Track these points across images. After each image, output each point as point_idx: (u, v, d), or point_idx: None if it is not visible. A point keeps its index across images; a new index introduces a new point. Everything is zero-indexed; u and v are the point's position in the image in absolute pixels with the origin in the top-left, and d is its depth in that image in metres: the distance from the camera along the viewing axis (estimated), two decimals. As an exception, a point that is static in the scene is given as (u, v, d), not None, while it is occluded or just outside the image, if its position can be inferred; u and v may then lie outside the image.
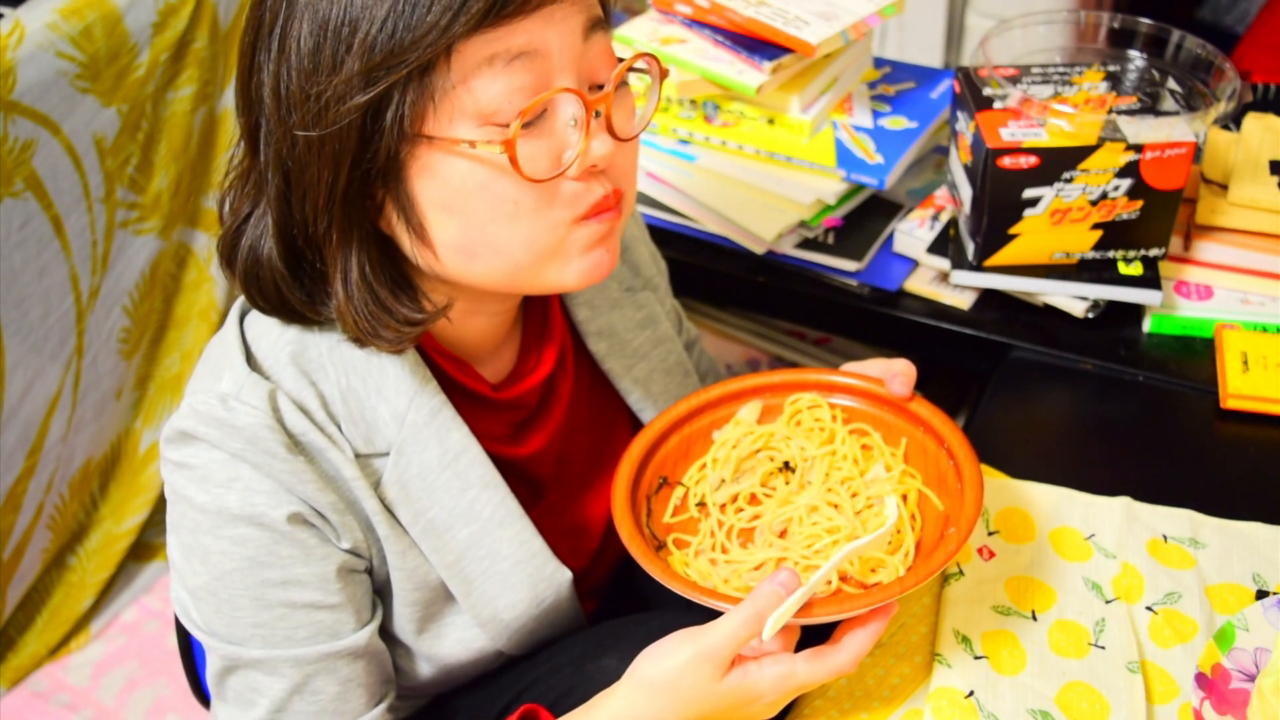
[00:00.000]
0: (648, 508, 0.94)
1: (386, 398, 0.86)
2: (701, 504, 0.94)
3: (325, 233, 0.78)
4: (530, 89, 0.75)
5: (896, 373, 0.96)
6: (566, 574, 0.95)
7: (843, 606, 0.80)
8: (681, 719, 0.79)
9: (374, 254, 0.80)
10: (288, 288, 0.82)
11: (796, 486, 0.94)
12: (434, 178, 0.76)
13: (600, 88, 0.80)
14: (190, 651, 1.08)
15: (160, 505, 1.94)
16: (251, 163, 0.82)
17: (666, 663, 0.78)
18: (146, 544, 1.95)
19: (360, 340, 0.83)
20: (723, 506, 0.94)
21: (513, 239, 0.79)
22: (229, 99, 1.86)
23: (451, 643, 0.92)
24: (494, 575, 0.91)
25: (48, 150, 1.57)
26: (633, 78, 0.85)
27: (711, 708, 0.79)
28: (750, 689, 0.79)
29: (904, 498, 0.91)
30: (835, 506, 0.91)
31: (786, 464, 0.95)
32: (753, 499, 0.94)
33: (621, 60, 0.81)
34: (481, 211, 0.77)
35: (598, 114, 0.78)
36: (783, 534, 0.91)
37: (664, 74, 0.86)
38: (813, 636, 0.83)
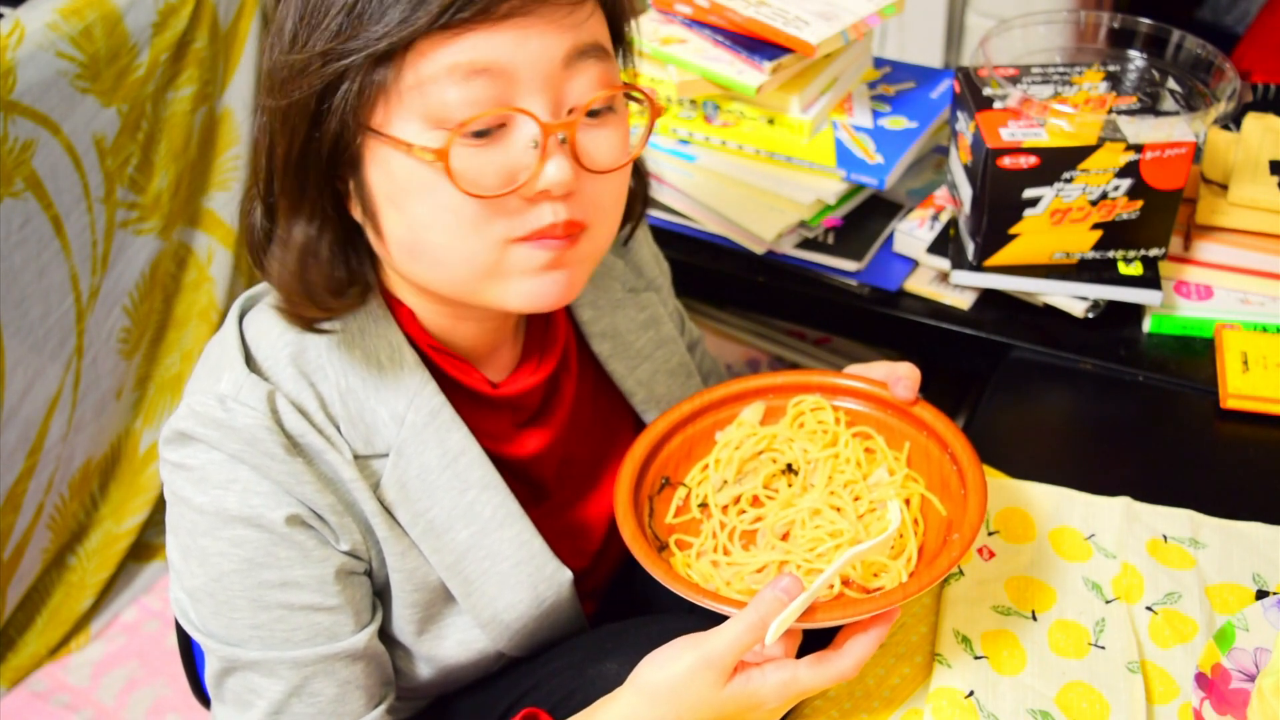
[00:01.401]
0: (650, 508, 0.94)
1: (385, 399, 0.86)
2: (704, 505, 0.94)
3: (276, 200, 0.81)
4: (487, 103, 0.74)
5: (900, 376, 0.96)
6: (567, 574, 0.95)
7: (846, 611, 0.80)
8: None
9: (326, 232, 0.81)
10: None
11: (799, 489, 0.93)
12: (383, 170, 0.77)
13: (577, 111, 0.78)
14: (190, 651, 1.08)
15: (160, 505, 1.94)
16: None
17: (669, 669, 0.78)
18: (146, 544, 1.95)
19: (285, 311, 0.84)
20: (725, 508, 0.94)
21: (450, 249, 0.78)
22: (229, 99, 1.86)
23: (452, 644, 0.92)
24: (494, 576, 0.91)
25: (48, 150, 1.57)
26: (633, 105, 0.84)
27: (714, 714, 0.79)
28: (753, 695, 0.79)
29: (907, 502, 0.91)
30: (838, 510, 0.91)
31: (789, 466, 0.95)
32: (755, 501, 0.94)
33: (624, 86, 0.80)
34: (422, 214, 0.77)
35: (564, 139, 0.77)
36: (785, 536, 0.91)
37: (658, 112, 0.84)
38: (814, 641, 0.83)
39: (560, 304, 0.82)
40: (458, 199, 0.76)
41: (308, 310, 0.83)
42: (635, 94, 0.82)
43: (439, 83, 0.73)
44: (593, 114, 0.79)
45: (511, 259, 0.79)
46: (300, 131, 0.76)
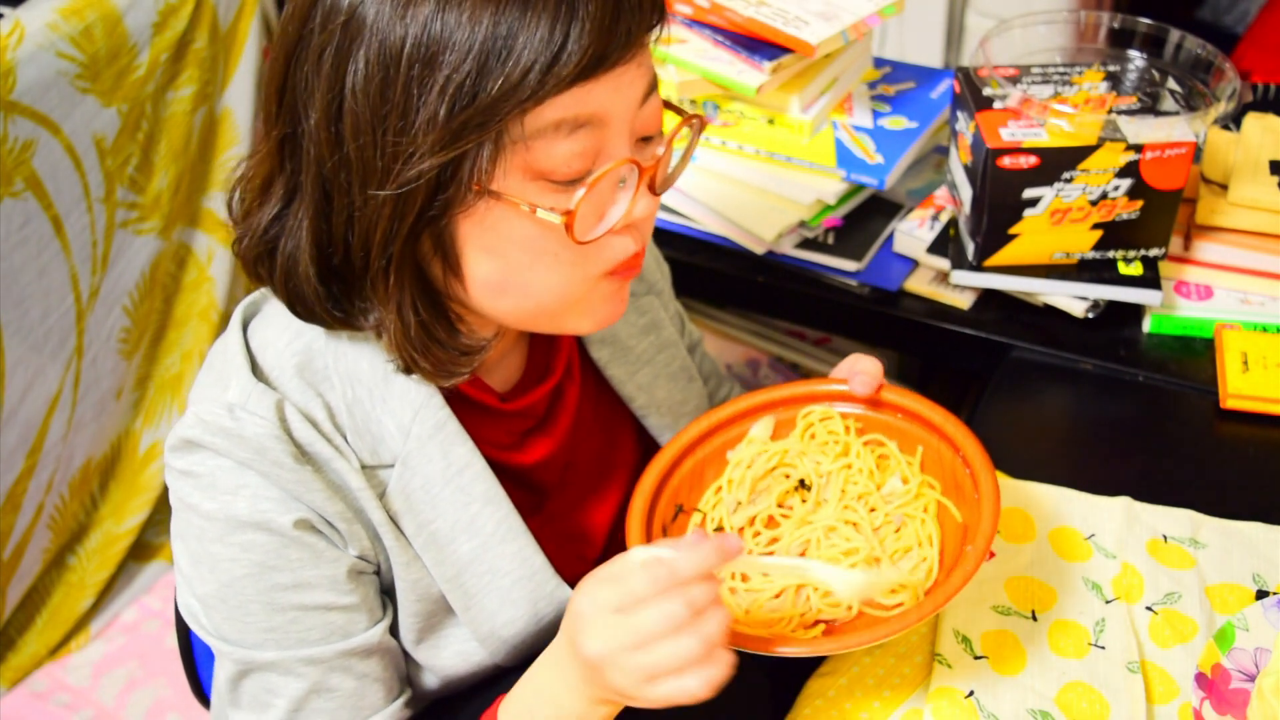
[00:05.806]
0: (665, 537, 0.93)
1: (392, 410, 0.86)
2: (719, 529, 0.93)
3: (381, 270, 0.77)
4: (589, 153, 0.75)
5: (858, 371, 0.96)
6: (567, 591, 0.94)
7: (875, 633, 0.80)
8: (577, 652, 0.74)
9: (421, 286, 0.80)
10: (320, 303, 0.82)
11: (813, 505, 0.93)
12: (481, 224, 0.76)
13: (646, 140, 0.80)
14: (190, 651, 1.08)
15: (160, 505, 1.94)
16: (277, 170, 0.80)
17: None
18: (146, 544, 1.95)
19: (408, 368, 0.83)
20: (740, 530, 0.93)
21: (546, 285, 0.79)
22: (229, 99, 1.86)
23: (450, 654, 0.92)
24: (494, 591, 0.91)
25: (48, 150, 1.57)
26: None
27: (593, 612, 0.73)
28: (617, 576, 0.72)
29: (925, 509, 0.91)
30: (853, 525, 0.91)
31: (802, 482, 0.94)
32: (770, 521, 0.93)
33: (669, 105, 0.82)
34: (523, 259, 0.77)
35: (639, 172, 0.79)
36: (801, 554, 0.90)
37: (702, 128, 0.86)
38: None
39: (617, 319, 0.86)
40: (562, 244, 0.77)
41: (445, 367, 0.82)
42: (689, 117, 0.83)
43: (545, 138, 0.73)
44: (649, 139, 0.80)
45: (597, 291, 0.82)
46: (415, 207, 0.73)
